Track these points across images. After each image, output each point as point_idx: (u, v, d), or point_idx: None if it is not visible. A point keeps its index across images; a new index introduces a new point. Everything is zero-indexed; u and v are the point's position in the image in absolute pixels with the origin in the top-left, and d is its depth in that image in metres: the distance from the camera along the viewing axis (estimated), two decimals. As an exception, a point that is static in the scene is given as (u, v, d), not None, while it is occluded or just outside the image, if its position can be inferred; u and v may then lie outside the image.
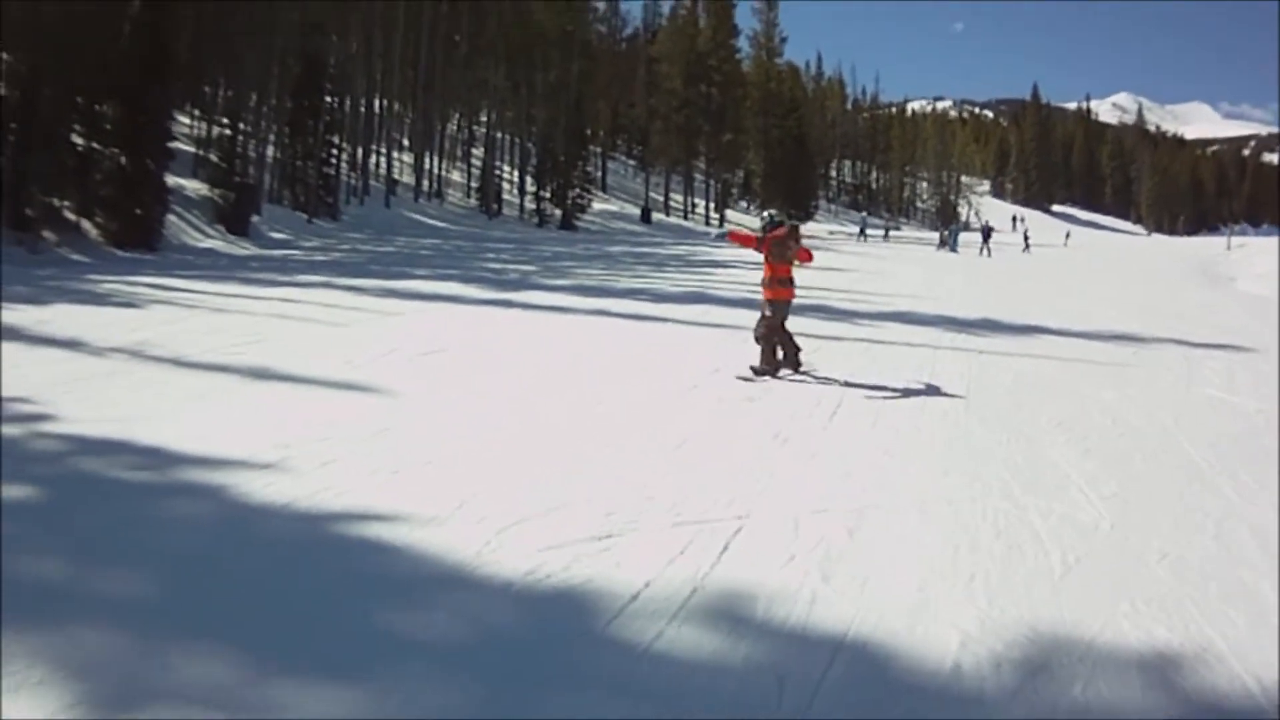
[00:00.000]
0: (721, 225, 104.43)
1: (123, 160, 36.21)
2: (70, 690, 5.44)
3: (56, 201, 34.83)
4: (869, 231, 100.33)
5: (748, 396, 14.43)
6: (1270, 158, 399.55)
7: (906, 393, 15.47)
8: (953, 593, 7.36)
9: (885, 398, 14.96)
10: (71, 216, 35.35)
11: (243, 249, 40.89)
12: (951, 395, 15.35)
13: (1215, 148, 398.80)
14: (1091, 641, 6.65)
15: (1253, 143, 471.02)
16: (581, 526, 8.26)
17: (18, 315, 19.26)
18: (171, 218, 39.12)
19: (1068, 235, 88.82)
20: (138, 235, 35.78)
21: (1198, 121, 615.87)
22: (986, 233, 79.18)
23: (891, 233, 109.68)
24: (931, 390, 15.68)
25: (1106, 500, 10.04)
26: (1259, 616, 7.25)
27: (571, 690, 5.75)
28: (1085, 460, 11.78)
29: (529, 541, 7.87)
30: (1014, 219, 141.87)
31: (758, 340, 15.90)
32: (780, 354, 15.93)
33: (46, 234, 33.41)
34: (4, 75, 34.70)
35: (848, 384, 15.45)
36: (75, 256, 32.41)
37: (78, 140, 36.51)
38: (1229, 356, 21.69)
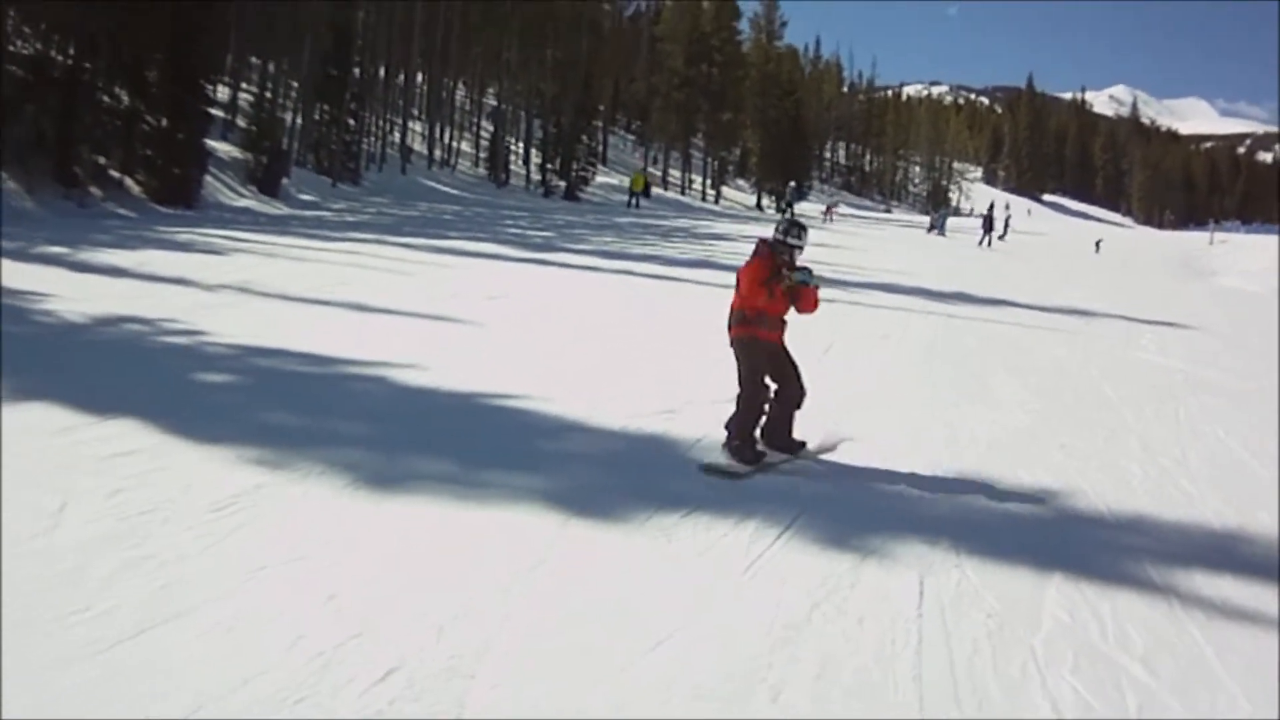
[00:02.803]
0: (718, 201, 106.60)
1: (164, 123, 38.09)
2: (345, 476, 8.68)
3: (102, 160, 36.86)
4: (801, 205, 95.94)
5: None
6: (1265, 156, 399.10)
7: (884, 338, 18.95)
8: (906, 453, 10.85)
9: (866, 345, 18.20)
10: (115, 174, 37.26)
11: (276, 209, 43.38)
12: (921, 346, 18.55)
13: (1210, 144, 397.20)
14: (998, 482, 10.15)
15: (1248, 141, 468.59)
16: (651, 405, 11.91)
17: (116, 258, 21.89)
18: (207, 178, 41.11)
19: (1099, 243, 73.71)
20: (178, 193, 37.70)
21: (1194, 117, 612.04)
22: (988, 223, 67.27)
23: (838, 213, 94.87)
24: (905, 341, 18.99)
25: (1030, 415, 13.68)
26: (1120, 479, 10.75)
27: (673, 478, 9.42)
28: (1021, 391, 15.34)
29: (618, 411, 11.56)
30: (991, 206, 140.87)
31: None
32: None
33: (93, 189, 35.44)
34: (52, 40, 37.38)
35: (834, 334, 17.82)
36: (121, 211, 34.52)
37: (123, 102, 38.52)
38: (1170, 331, 24.65)
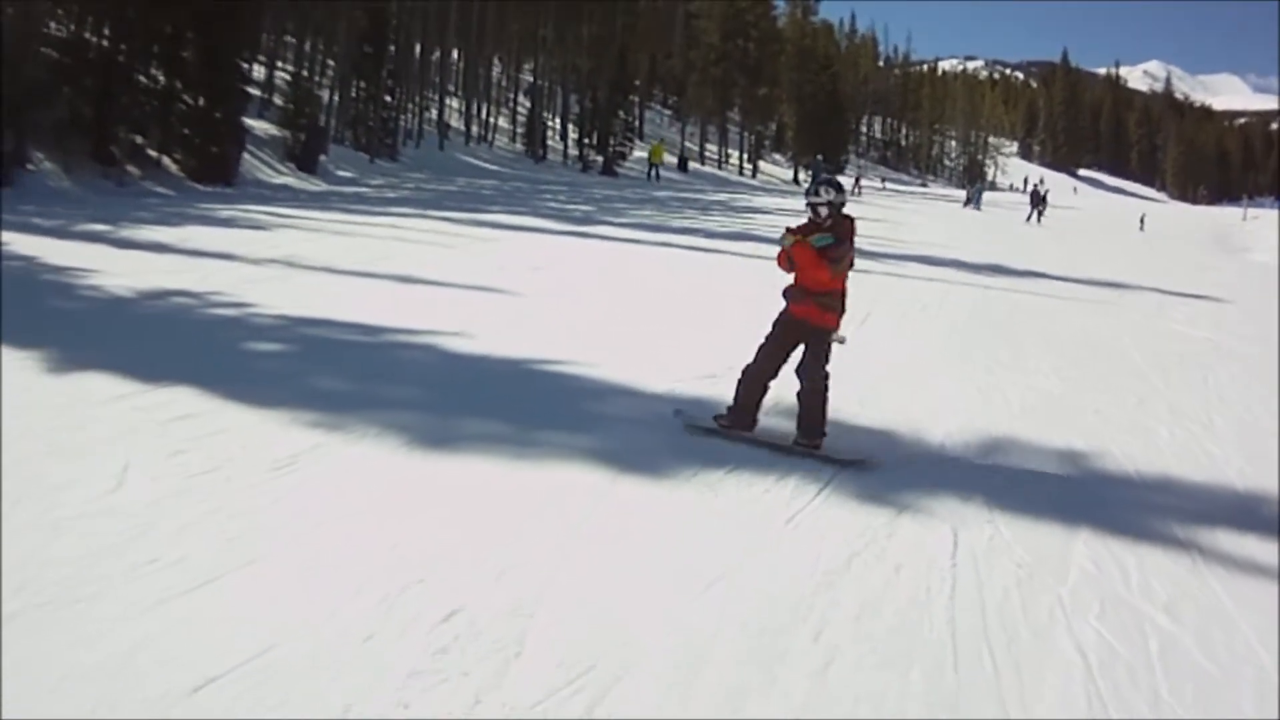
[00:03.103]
0: (755, 176, 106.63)
1: (201, 102, 38.37)
2: (400, 437, 9.01)
3: (139, 139, 37.14)
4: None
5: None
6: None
7: (923, 309, 19.24)
8: (945, 414, 11.12)
9: (904, 313, 18.50)
10: (153, 154, 37.54)
11: (315, 185, 43.78)
12: (958, 316, 18.80)
13: (1244, 120, 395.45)
14: (1029, 443, 10.47)
15: None
16: (693, 370, 12.25)
17: (159, 234, 22.18)
18: (245, 155, 41.41)
19: (1143, 219, 70.07)
20: (216, 172, 37.97)
21: (1227, 93, 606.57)
22: (1035, 198, 64.31)
23: (867, 185, 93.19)
24: (943, 312, 19.27)
25: (1063, 381, 13.96)
26: (1148, 442, 11.06)
27: (715, 438, 9.75)
28: (1054, 357, 15.64)
29: (662, 377, 11.90)
30: (1040, 182, 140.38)
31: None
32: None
33: (130, 168, 35.70)
34: (86, 22, 37.84)
35: (872, 304, 18.06)
36: (160, 190, 34.90)
37: (159, 82, 38.91)
38: (1201, 304, 24.88)
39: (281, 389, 10.21)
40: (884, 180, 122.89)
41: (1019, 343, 16.68)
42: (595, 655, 5.49)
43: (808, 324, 9.65)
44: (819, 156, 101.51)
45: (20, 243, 18.86)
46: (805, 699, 5.25)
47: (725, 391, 10.56)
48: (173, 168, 37.63)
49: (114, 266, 16.94)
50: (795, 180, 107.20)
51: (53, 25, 36.80)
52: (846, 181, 68.84)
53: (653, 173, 75.00)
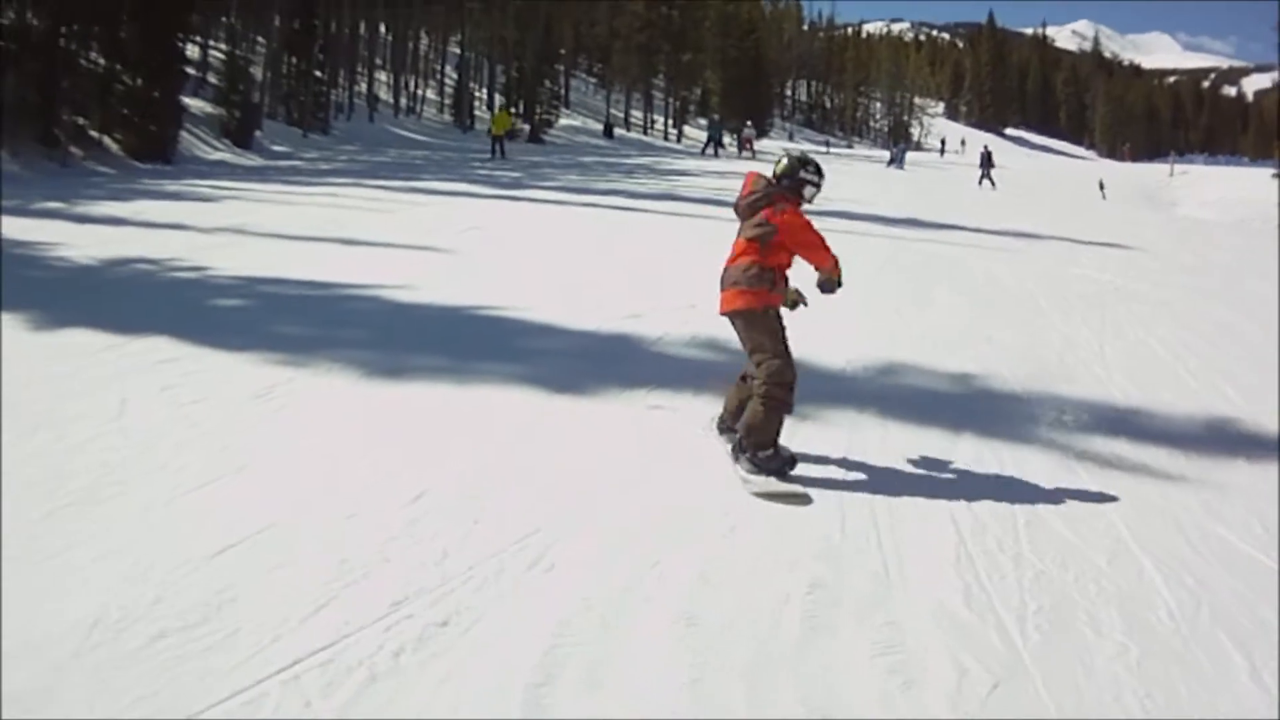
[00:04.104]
0: (680, 140, 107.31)
1: (140, 82, 39.06)
2: (360, 369, 10.15)
3: (81, 121, 37.91)
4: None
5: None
6: (1230, 91, 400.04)
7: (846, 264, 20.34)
8: (849, 346, 12.30)
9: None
10: (94, 134, 38.28)
11: (251, 160, 44.54)
12: (871, 264, 19.78)
13: (1175, 79, 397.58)
14: (926, 367, 11.70)
15: (1212, 75, 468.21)
16: (616, 311, 13.39)
17: (112, 209, 23.15)
18: (182, 133, 42.13)
19: (1102, 184, 64.92)
20: (155, 149, 38.58)
21: (1158, 52, 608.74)
22: (988, 161, 60.60)
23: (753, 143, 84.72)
24: (855, 260, 20.34)
25: (964, 318, 15.11)
26: (1039, 366, 12.20)
27: (637, 365, 10.89)
28: (957, 298, 16.86)
29: (591, 318, 13.02)
30: (943, 141, 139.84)
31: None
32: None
33: (73, 149, 36.41)
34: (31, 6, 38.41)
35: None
36: (101, 169, 35.58)
37: (99, 64, 39.84)
38: (1112, 251, 25.75)
39: (249, 335, 11.29)
40: (828, 144, 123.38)
41: (927, 287, 17.75)
42: (537, 524, 6.63)
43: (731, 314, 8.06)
44: (715, 116, 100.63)
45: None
46: (711, 558, 6.36)
47: (647, 328, 11.83)
48: (113, 147, 38.24)
49: (76, 240, 17.78)
50: (720, 143, 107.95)
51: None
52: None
53: (496, 148, 52.89)
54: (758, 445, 7.64)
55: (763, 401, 7.66)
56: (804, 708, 4.83)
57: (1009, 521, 7.25)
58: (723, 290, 8.04)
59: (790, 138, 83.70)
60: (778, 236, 7.97)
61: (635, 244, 21.05)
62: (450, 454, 7.96)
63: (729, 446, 7.96)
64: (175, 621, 5.10)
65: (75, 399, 8.88)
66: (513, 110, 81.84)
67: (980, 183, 57.68)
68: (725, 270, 8.08)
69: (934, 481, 7.99)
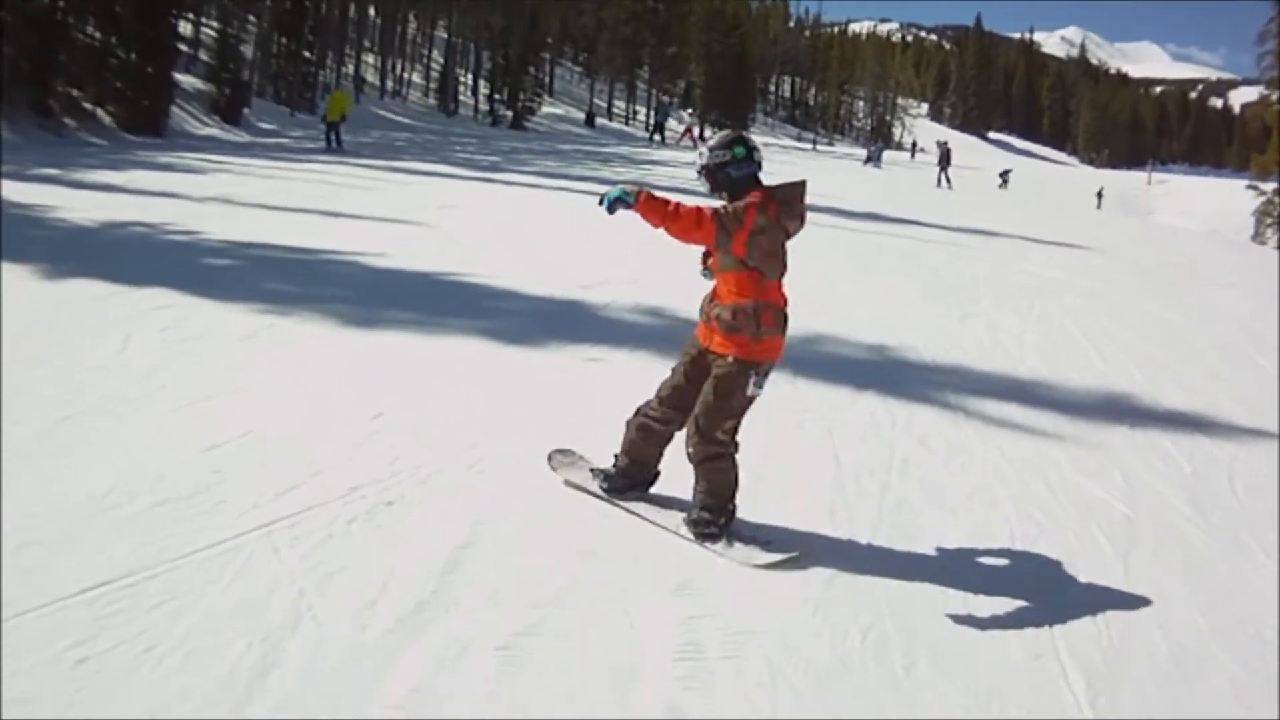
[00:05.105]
0: (693, 136, 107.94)
1: (134, 57, 40.16)
2: (337, 319, 11.42)
3: (75, 92, 39.03)
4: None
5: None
6: (1217, 102, 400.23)
7: (791, 250, 21.44)
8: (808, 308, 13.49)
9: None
10: (88, 106, 39.40)
11: (239, 137, 45.68)
12: (821, 252, 20.76)
13: (1162, 89, 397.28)
14: (848, 339, 12.84)
15: (1200, 86, 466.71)
16: (573, 282, 14.62)
17: (107, 177, 24.35)
18: (173, 108, 43.05)
19: (1100, 194, 63.75)
20: (146, 123, 39.72)
21: (1146, 61, 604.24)
22: (946, 158, 58.62)
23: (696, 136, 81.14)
24: (806, 247, 21.44)
25: (898, 302, 16.30)
26: (955, 344, 13.33)
27: (585, 326, 12.17)
28: (906, 285, 18.09)
29: (548, 286, 14.27)
30: (914, 143, 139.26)
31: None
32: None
33: (67, 120, 37.47)
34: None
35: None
36: (94, 140, 36.71)
37: (95, 37, 41.09)
38: (1063, 250, 26.62)
39: (237, 289, 12.52)
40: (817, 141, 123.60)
41: (871, 275, 18.87)
42: (476, 439, 7.91)
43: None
44: (664, 98, 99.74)
45: (-18, 183, 21.07)
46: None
47: (597, 297, 13.01)
48: (106, 119, 39.26)
49: (73, 204, 18.98)
50: (700, 137, 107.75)
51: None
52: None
53: (331, 136, 40.74)
54: (717, 509, 6.52)
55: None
56: (681, 558, 6.07)
57: (885, 461, 8.34)
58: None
59: (688, 132, 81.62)
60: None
61: (596, 224, 21.97)
62: (410, 385, 9.28)
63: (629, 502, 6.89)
64: (173, 494, 6.39)
65: (85, 335, 10.11)
66: (496, 96, 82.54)
67: (939, 182, 55.79)
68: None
69: (828, 427, 9.11)
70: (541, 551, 6.11)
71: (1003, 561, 6.72)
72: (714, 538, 6.45)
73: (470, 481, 7.11)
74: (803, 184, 6.81)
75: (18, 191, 20.10)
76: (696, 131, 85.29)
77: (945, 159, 58.87)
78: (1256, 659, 5.69)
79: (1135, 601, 6.25)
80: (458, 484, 7.00)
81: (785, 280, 6.93)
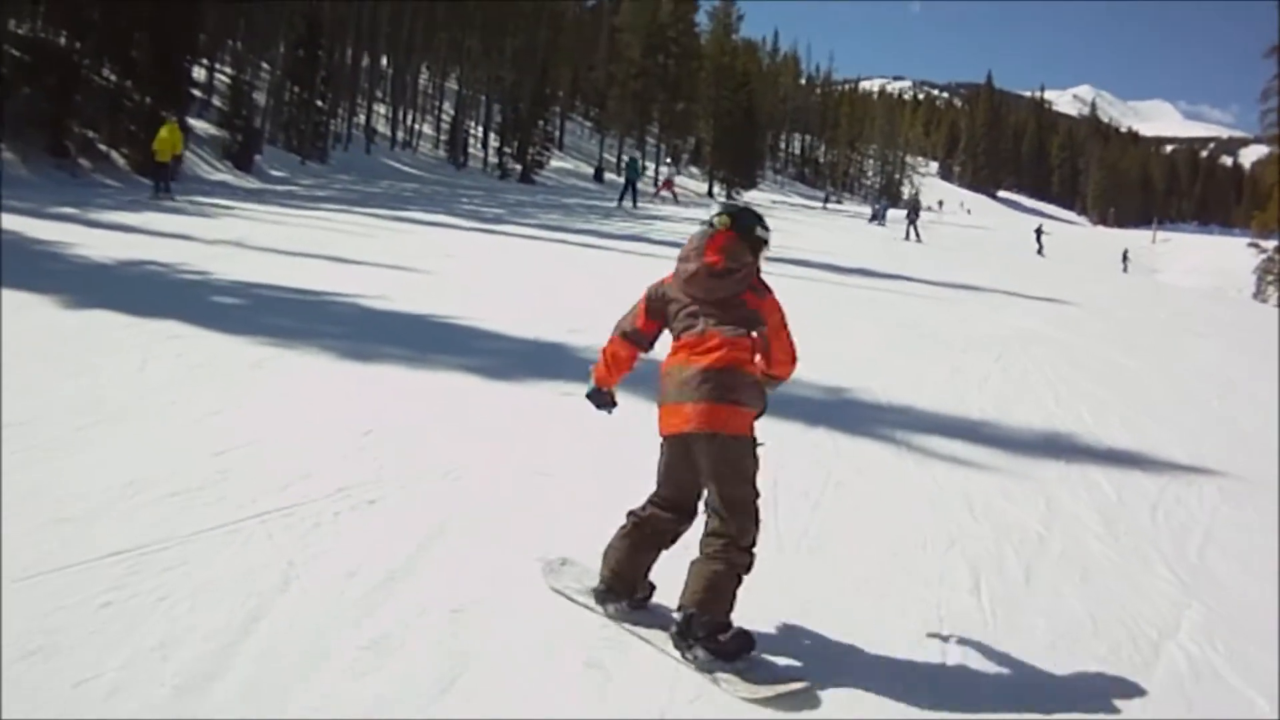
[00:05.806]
0: (673, 189, 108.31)
1: (149, 101, 41.53)
2: (337, 352, 12.43)
3: (91, 134, 40.40)
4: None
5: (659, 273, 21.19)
6: (1228, 161, 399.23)
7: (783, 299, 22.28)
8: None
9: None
10: (103, 148, 40.82)
11: (250, 183, 46.96)
12: (807, 304, 21.46)
13: (1173, 147, 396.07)
14: (807, 381, 13.36)
15: (1211, 145, 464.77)
16: (562, 327, 15.50)
17: (122, 218, 25.85)
18: (185, 153, 43.02)
19: (1126, 255, 64.07)
20: (160, 167, 40.14)
21: (1158, 119, 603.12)
22: (914, 209, 57.38)
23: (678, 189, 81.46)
24: (794, 299, 22.27)
25: (868, 347, 17.08)
26: (914, 387, 13.98)
27: (565, 366, 12.97)
28: (872, 330, 18.95)
29: (534, 329, 15.27)
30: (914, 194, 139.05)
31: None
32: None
33: (82, 161, 38.90)
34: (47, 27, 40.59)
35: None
36: (108, 182, 38.21)
37: (110, 80, 42.41)
38: (1046, 305, 27.11)
39: (245, 324, 13.62)
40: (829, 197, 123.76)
41: (848, 321, 19.67)
42: (455, 457, 8.83)
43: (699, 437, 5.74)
44: (635, 155, 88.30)
45: (4, 220, 22.30)
46: (586, 467, 8.51)
47: (581, 339, 14.02)
48: (120, 162, 40.45)
49: (90, 241, 20.25)
50: (709, 193, 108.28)
51: (14, 22, 39.29)
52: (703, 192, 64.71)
53: (160, 181, 34.52)
54: (716, 625, 5.47)
55: (729, 566, 5.57)
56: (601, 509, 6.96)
57: (820, 483, 9.06)
58: (703, 400, 5.70)
59: (665, 184, 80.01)
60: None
61: (589, 274, 23.48)
62: (399, 408, 10.28)
63: (629, 622, 5.96)
64: (183, 487, 7.39)
65: (106, 356, 11.25)
66: (506, 149, 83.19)
67: (906, 235, 53.28)
68: (708, 372, 5.72)
69: (771, 456, 9.70)
70: (499, 542, 7.06)
71: (910, 562, 7.49)
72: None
73: (444, 489, 8.04)
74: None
75: (38, 228, 21.50)
76: (676, 185, 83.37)
77: (914, 210, 57.02)
78: (1129, 645, 6.36)
79: (1027, 595, 7.01)
80: (433, 489, 7.96)
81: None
